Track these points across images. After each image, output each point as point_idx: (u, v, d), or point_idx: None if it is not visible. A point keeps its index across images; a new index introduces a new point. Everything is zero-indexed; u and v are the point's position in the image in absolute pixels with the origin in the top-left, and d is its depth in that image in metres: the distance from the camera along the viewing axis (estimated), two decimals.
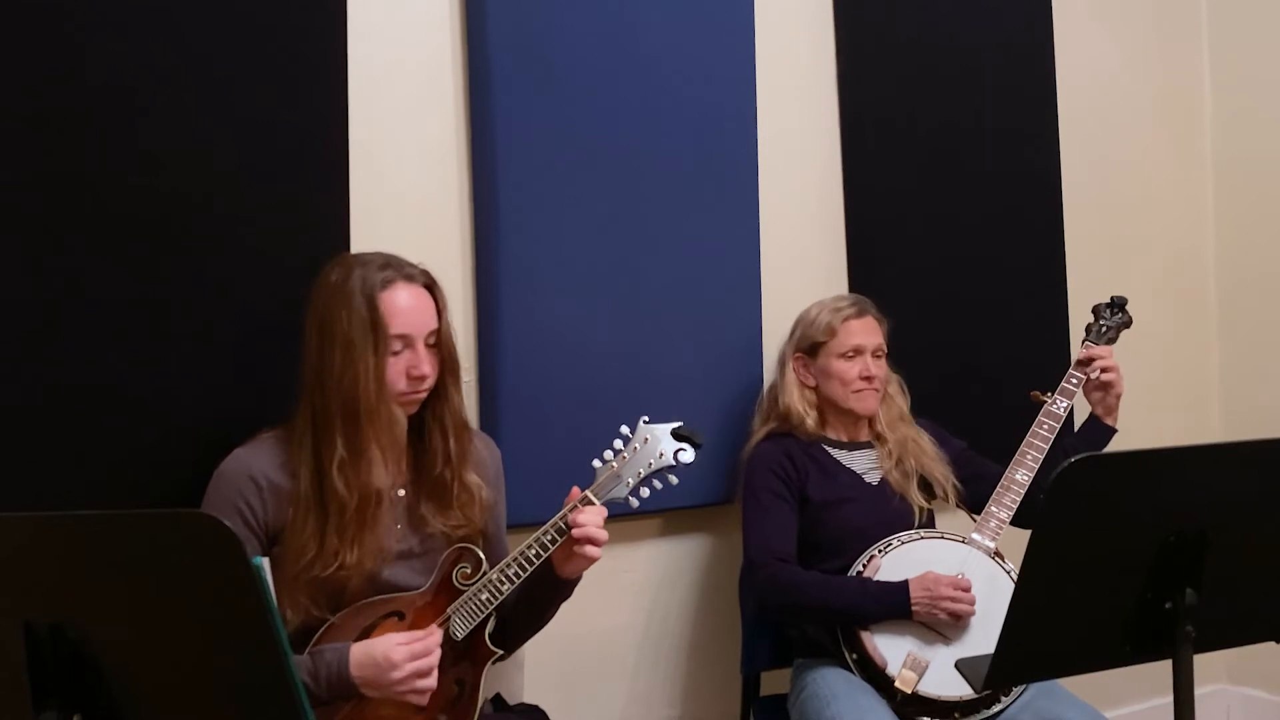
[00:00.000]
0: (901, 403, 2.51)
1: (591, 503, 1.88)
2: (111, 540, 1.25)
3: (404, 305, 1.85)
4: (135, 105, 1.97)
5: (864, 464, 2.44)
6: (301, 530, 1.81)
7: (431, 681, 1.76)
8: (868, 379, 2.40)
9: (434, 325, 1.88)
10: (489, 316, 2.30)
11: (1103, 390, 2.43)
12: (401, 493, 1.92)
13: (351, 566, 1.80)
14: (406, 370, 1.85)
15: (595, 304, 2.40)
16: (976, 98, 3.00)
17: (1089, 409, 2.47)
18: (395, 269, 1.87)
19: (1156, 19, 3.41)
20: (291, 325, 1.92)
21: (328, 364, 1.82)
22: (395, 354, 1.84)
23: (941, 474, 2.44)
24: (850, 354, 2.41)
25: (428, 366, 1.86)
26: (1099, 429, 2.43)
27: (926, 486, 2.44)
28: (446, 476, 1.90)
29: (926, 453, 2.45)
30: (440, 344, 1.90)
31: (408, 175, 2.27)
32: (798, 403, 2.43)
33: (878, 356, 2.44)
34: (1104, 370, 2.41)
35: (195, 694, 1.28)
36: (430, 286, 1.90)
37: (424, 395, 1.89)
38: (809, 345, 2.45)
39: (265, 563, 1.20)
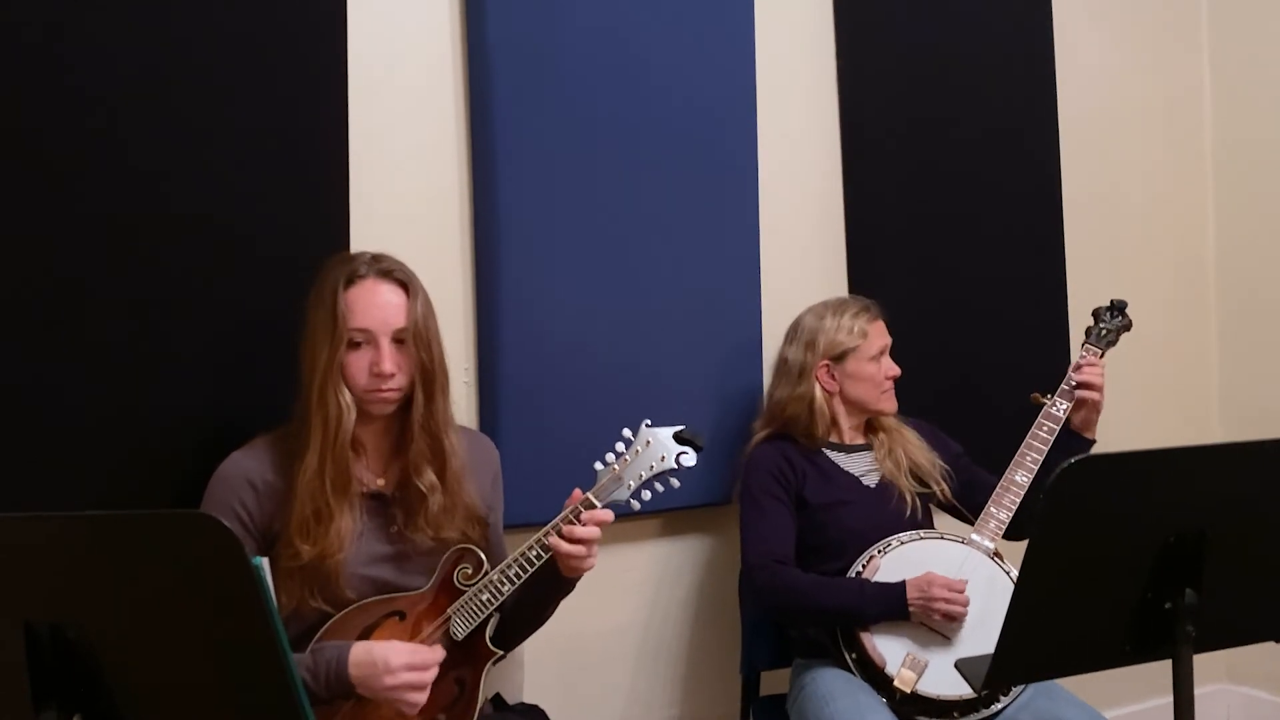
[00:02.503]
0: None
1: (593, 505, 1.88)
2: (111, 540, 1.25)
3: (367, 300, 1.85)
4: (135, 106, 1.97)
5: (862, 466, 2.44)
6: (288, 520, 1.83)
7: (422, 696, 1.76)
8: (892, 378, 2.44)
9: (401, 323, 1.86)
10: (489, 316, 2.30)
11: (1088, 403, 2.40)
12: (397, 494, 1.92)
13: (311, 557, 1.80)
14: (369, 366, 1.85)
15: (595, 304, 2.40)
16: (976, 99, 3.00)
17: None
18: (370, 265, 1.88)
19: (1156, 20, 3.40)
20: (291, 326, 1.92)
21: (301, 358, 1.86)
22: (356, 347, 1.85)
23: (927, 459, 2.44)
24: (878, 355, 2.43)
25: (390, 364, 1.84)
26: (1078, 441, 2.40)
27: (919, 481, 2.43)
28: (420, 486, 1.89)
29: (910, 441, 2.46)
30: (414, 345, 1.87)
31: (408, 175, 2.27)
32: (822, 411, 2.41)
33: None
34: (1089, 385, 2.38)
35: (195, 694, 1.28)
36: (406, 286, 1.89)
37: (393, 394, 1.87)
38: (839, 353, 2.43)
39: (265, 563, 1.20)
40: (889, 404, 2.45)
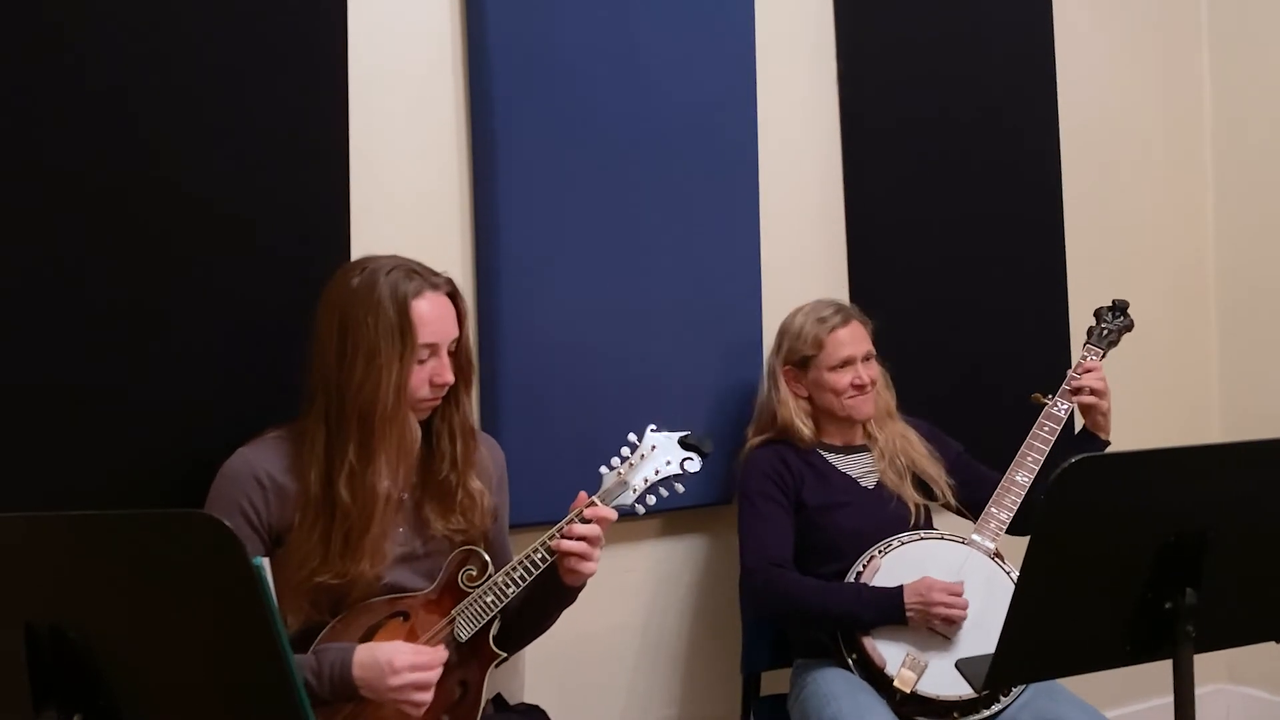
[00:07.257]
0: (888, 397, 2.49)
1: (596, 507, 1.88)
2: (111, 540, 1.25)
3: (432, 314, 1.85)
4: (135, 106, 1.97)
5: (860, 468, 2.44)
6: (308, 536, 1.79)
7: (427, 696, 1.75)
8: (859, 386, 2.40)
9: (457, 333, 1.89)
10: (489, 317, 2.30)
11: (1089, 407, 2.41)
12: (405, 496, 1.92)
13: (355, 575, 1.80)
14: (430, 378, 1.85)
15: (595, 305, 2.40)
16: (977, 99, 3.00)
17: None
18: (423, 277, 1.86)
19: (1157, 21, 3.40)
20: (291, 325, 1.92)
21: (348, 370, 1.80)
22: (421, 362, 1.85)
23: (935, 471, 2.44)
24: (840, 365, 2.40)
25: (450, 374, 1.87)
26: (1092, 444, 2.40)
27: (923, 486, 2.43)
28: (452, 480, 1.90)
29: (916, 449, 2.45)
30: (460, 351, 1.91)
31: (408, 175, 2.27)
32: (795, 415, 2.41)
33: (867, 360, 2.42)
34: (1091, 391, 2.39)
35: (195, 694, 1.28)
36: (453, 295, 1.90)
37: (438, 403, 1.90)
38: (798, 359, 2.43)
39: (265, 563, 1.20)
40: (857, 410, 2.41)
